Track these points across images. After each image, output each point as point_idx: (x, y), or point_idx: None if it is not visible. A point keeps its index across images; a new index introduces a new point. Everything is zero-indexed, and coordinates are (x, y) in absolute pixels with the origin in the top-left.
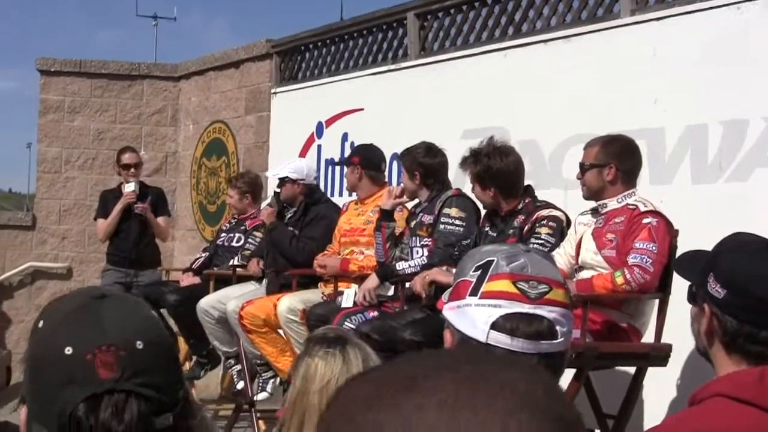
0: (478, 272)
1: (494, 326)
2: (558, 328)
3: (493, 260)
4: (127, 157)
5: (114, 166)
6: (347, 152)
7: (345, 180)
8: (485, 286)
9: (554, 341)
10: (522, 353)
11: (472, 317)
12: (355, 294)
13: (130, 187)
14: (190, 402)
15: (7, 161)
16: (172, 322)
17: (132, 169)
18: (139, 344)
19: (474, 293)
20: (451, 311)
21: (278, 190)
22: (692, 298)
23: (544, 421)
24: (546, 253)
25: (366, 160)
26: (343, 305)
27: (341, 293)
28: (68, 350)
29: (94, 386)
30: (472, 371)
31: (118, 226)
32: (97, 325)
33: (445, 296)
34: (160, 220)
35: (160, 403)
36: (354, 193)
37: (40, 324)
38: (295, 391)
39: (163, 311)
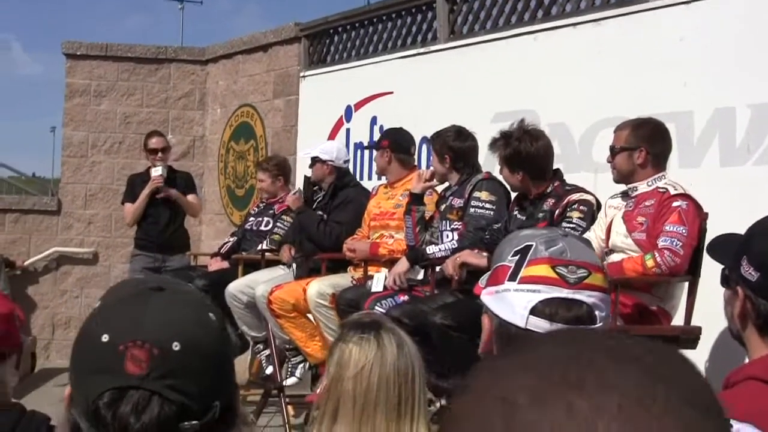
0: (517, 257)
1: (533, 311)
2: (597, 312)
3: (531, 245)
4: (154, 142)
5: (141, 150)
6: (376, 136)
7: (374, 164)
8: (524, 271)
9: (594, 326)
10: None
11: (511, 302)
12: (385, 278)
13: (157, 171)
14: (233, 414)
15: (30, 145)
16: None
17: (159, 154)
18: (176, 345)
19: (513, 278)
20: (489, 296)
21: (309, 175)
22: (725, 281)
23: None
24: (583, 237)
25: (395, 144)
26: (373, 290)
27: (371, 277)
28: (105, 338)
29: (120, 379)
30: (643, 366)
31: (146, 211)
32: (138, 318)
33: (482, 281)
34: (190, 197)
35: (185, 408)
36: (383, 177)
37: (96, 305)
38: (330, 377)
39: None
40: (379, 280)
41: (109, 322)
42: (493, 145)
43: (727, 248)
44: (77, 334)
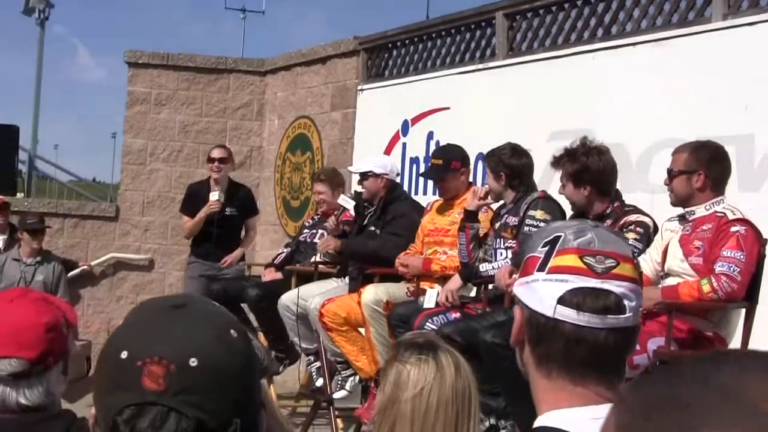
0: (546, 248)
1: (561, 301)
2: (626, 302)
3: (560, 235)
4: (215, 152)
5: (200, 159)
6: (431, 150)
7: (446, 190)
8: (552, 261)
9: (621, 316)
10: (588, 327)
11: (540, 293)
12: (437, 295)
13: (214, 196)
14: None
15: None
16: (252, 317)
17: (216, 163)
18: (193, 362)
19: (542, 269)
20: (520, 287)
21: (360, 189)
22: None
23: None
24: (615, 230)
25: (465, 159)
26: (425, 306)
27: (424, 291)
28: (124, 354)
29: (137, 396)
30: None
31: (202, 228)
32: (157, 334)
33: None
34: (250, 221)
35: (203, 424)
36: (437, 193)
37: (121, 322)
38: (385, 397)
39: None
40: (431, 297)
41: (129, 338)
42: (557, 162)
43: None
44: (100, 352)
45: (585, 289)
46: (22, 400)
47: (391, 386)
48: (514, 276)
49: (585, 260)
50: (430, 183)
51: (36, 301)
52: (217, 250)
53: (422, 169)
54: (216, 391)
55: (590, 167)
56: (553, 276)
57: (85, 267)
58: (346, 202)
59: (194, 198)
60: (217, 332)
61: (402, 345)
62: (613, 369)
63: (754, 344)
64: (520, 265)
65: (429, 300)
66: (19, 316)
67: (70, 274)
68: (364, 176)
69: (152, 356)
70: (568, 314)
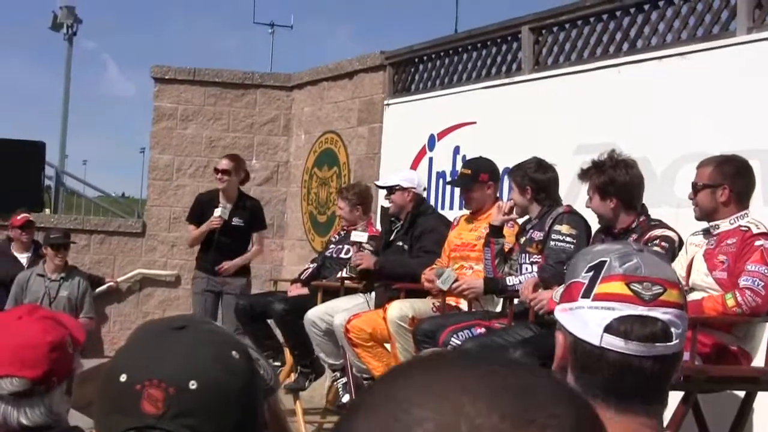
0: (591, 273)
1: (608, 329)
2: (673, 329)
3: (605, 260)
4: (221, 163)
5: None
6: (458, 165)
7: (472, 201)
8: (598, 288)
9: (669, 343)
10: (635, 356)
11: (585, 320)
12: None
13: (218, 212)
14: None
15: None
16: (278, 332)
17: (219, 174)
18: (193, 384)
19: (587, 295)
20: (563, 313)
21: (387, 205)
22: None
23: None
24: (660, 253)
25: (494, 173)
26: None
27: (450, 307)
28: (123, 377)
29: (136, 419)
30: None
31: (208, 235)
32: (156, 357)
33: (555, 296)
34: (255, 235)
35: None
36: (463, 206)
37: (122, 345)
38: None
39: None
40: (449, 278)
41: (128, 362)
42: (585, 174)
43: None
44: (101, 375)
45: (632, 317)
46: (23, 420)
47: None
48: (540, 290)
49: (632, 287)
50: (457, 198)
51: (43, 319)
52: (222, 259)
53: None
54: (216, 413)
55: (617, 180)
56: (599, 303)
57: (112, 283)
58: (359, 236)
59: (200, 208)
60: (216, 354)
61: None
62: (657, 397)
63: None
64: (546, 279)
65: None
66: (24, 335)
67: (97, 290)
68: (391, 190)
69: (151, 379)
70: (616, 343)
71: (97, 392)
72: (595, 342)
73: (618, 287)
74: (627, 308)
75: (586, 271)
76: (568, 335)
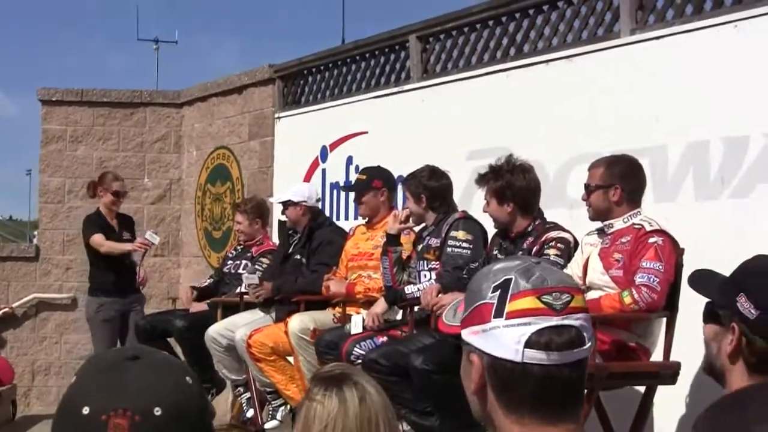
0: (498, 292)
1: (528, 344)
2: (585, 333)
3: (510, 278)
4: (120, 184)
5: (96, 188)
6: (352, 176)
7: (363, 206)
8: (509, 306)
9: (584, 347)
10: (557, 366)
11: (502, 339)
12: (363, 320)
13: (155, 239)
14: None
15: (6, 188)
16: (179, 349)
17: (121, 198)
18: (157, 411)
19: (499, 314)
20: (475, 336)
21: (284, 218)
22: (712, 317)
23: None
24: (553, 261)
25: (389, 182)
26: (352, 332)
27: (350, 318)
28: (85, 410)
29: None
30: None
31: (113, 258)
32: (117, 387)
33: (446, 317)
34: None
35: None
36: (360, 218)
37: (74, 378)
38: None
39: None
40: (357, 323)
41: (89, 393)
42: (482, 179)
43: (709, 284)
44: (57, 409)
45: (549, 328)
46: None
47: (301, 424)
48: (440, 295)
49: (543, 300)
50: (352, 208)
51: None
52: (122, 281)
53: (343, 194)
54: None
55: (514, 184)
56: (514, 321)
57: (7, 309)
58: (250, 279)
59: (97, 227)
60: (175, 380)
61: (313, 381)
62: (579, 400)
63: (675, 353)
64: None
65: (356, 326)
66: None
67: None
68: (285, 205)
69: (116, 409)
70: (538, 356)
71: (53, 428)
72: (516, 359)
73: (529, 302)
74: (543, 321)
75: (492, 291)
76: (484, 357)
